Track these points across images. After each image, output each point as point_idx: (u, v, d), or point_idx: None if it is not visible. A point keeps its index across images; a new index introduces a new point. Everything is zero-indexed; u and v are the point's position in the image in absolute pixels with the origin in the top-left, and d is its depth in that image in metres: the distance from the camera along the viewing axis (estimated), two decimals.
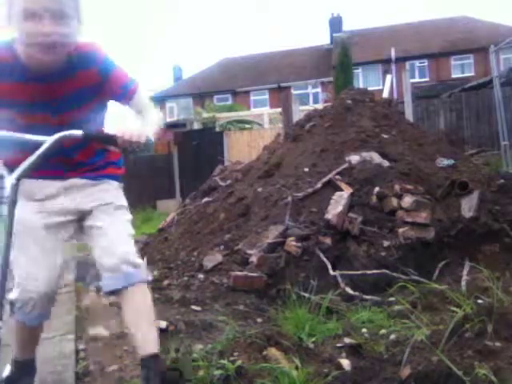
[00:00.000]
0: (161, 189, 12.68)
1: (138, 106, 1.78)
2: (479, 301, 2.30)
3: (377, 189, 3.63)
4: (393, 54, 22.98)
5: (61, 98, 1.66)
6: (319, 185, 3.84)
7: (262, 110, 18.05)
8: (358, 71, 23.51)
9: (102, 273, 1.74)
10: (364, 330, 2.38)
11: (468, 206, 3.45)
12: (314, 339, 2.23)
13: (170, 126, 15.23)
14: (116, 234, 1.76)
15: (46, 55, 1.54)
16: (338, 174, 3.95)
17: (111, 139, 1.53)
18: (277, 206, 3.81)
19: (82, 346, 2.53)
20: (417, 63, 23.96)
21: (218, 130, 14.96)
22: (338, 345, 2.19)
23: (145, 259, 2.19)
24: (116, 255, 1.70)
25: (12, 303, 1.74)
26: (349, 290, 2.96)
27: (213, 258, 3.46)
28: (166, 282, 3.33)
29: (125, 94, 1.76)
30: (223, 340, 2.12)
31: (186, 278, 3.34)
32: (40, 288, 1.71)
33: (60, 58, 1.59)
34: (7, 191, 1.46)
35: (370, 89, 6.23)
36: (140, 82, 1.81)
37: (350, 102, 5.24)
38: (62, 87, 1.65)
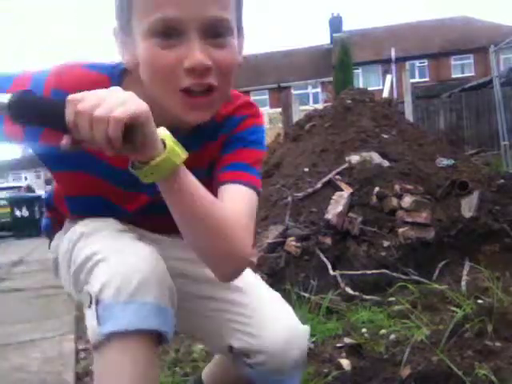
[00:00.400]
0: None
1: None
2: (479, 301, 2.30)
3: (377, 189, 3.64)
4: (393, 54, 23.00)
5: None
6: (319, 185, 3.84)
7: (262, 110, 18.06)
8: (358, 71, 23.53)
9: (251, 364, 1.03)
10: (364, 329, 2.38)
11: (468, 206, 3.45)
12: (314, 339, 2.23)
13: None
14: (262, 299, 1.06)
15: (189, 113, 0.84)
16: (337, 174, 3.95)
17: (56, 110, 0.71)
18: (277, 206, 3.81)
19: (81, 346, 2.53)
20: (417, 63, 23.99)
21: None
22: (337, 345, 2.19)
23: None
24: (273, 336, 0.99)
25: (96, 300, 0.81)
26: (349, 290, 2.96)
27: None
28: None
29: (219, 170, 0.99)
30: None
31: None
32: (143, 261, 0.84)
33: (210, 116, 0.88)
34: None
35: (370, 89, 6.24)
36: (258, 183, 1.03)
37: (349, 101, 5.24)
38: None
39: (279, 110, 10.00)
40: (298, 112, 8.18)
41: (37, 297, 4.22)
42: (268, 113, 16.53)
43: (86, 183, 0.99)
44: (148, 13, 0.78)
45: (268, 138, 9.09)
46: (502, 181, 3.79)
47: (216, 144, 0.98)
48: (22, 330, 3.02)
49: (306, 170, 4.24)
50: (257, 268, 3.16)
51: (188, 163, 0.81)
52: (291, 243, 3.26)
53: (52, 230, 1.16)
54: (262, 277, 3.07)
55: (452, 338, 1.83)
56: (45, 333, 2.92)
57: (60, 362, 2.36)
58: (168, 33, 0.78)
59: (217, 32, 0.81)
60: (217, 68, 0.81)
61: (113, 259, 0.84)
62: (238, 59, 0.87)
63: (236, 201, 0.94)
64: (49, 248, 1.20)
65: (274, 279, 3.11)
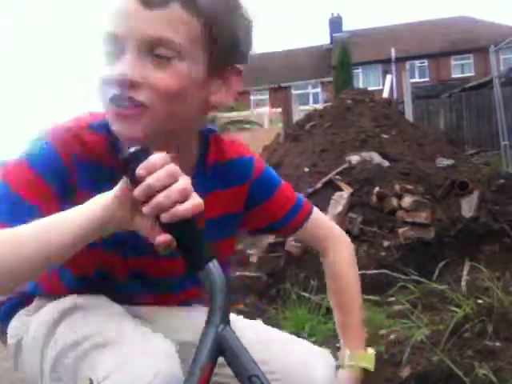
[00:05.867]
0: None
1: (309, 240, 1.17)
2: (479, 301, 2.30)
3: (377, 189, 3.64)
4: (393, 54, 22.98)
5: None
6: (319, 185, 3.84)
7: (262, 110, 18.06)
8: (358, 71, 23.55)
9: None
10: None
11: (468, 206, 3.45)
12: (314, 339, 2.23)
13: None
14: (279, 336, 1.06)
15: (114, 124, 0.80)
16: (337, 174, 3.95)
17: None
18: None
19: None
20: (417, 63, 23.99)
21: (218, 130, 14.94)
22: (338, 345, 2.19)
23: None
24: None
25: None
26: None
27: None
28: None
29: (283, 226, 1.09)
30: None
31: None
32: (161, 359, 0.76)
33: (141, 134, 0.78)
34: None
35: (370, 89, 6.25)
36: (311, 204, 1.17)
37: (350, 101, 5.24)
38: None
39: (279, 109, 10.00)
40: (298, 112, 8.19)
41: None
42: (268, 113, 16.54)
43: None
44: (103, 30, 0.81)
45: (268, 138, 9.09)
46: (502, 181, 3.79)
47: (228, 194, 0.98)
48: None
49: (306, 169, 4.24)
50: (257, 268, 3.16)
51: (213, 206, 0.90)
52: (291, 243, 3.26)
53: (12, 313, 0.99)
54: (262, 277, 3.08)
55: (452, 337, 1.83)
56: None
57: None
58: (109, 49, 0.79)
59: (156, 51, 0.77)
60: (151, 88, 0.77)
61: (124, 347, 0.77)
62: (183, 86, 0.79)
63: (323, 230, 1.19)
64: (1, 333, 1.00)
65: (274, 279, 3.11)
